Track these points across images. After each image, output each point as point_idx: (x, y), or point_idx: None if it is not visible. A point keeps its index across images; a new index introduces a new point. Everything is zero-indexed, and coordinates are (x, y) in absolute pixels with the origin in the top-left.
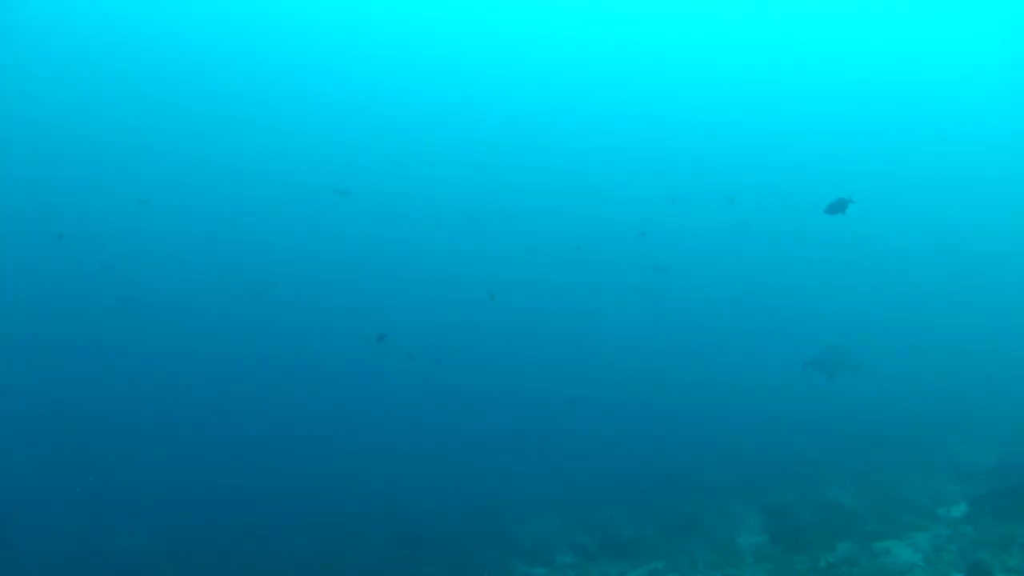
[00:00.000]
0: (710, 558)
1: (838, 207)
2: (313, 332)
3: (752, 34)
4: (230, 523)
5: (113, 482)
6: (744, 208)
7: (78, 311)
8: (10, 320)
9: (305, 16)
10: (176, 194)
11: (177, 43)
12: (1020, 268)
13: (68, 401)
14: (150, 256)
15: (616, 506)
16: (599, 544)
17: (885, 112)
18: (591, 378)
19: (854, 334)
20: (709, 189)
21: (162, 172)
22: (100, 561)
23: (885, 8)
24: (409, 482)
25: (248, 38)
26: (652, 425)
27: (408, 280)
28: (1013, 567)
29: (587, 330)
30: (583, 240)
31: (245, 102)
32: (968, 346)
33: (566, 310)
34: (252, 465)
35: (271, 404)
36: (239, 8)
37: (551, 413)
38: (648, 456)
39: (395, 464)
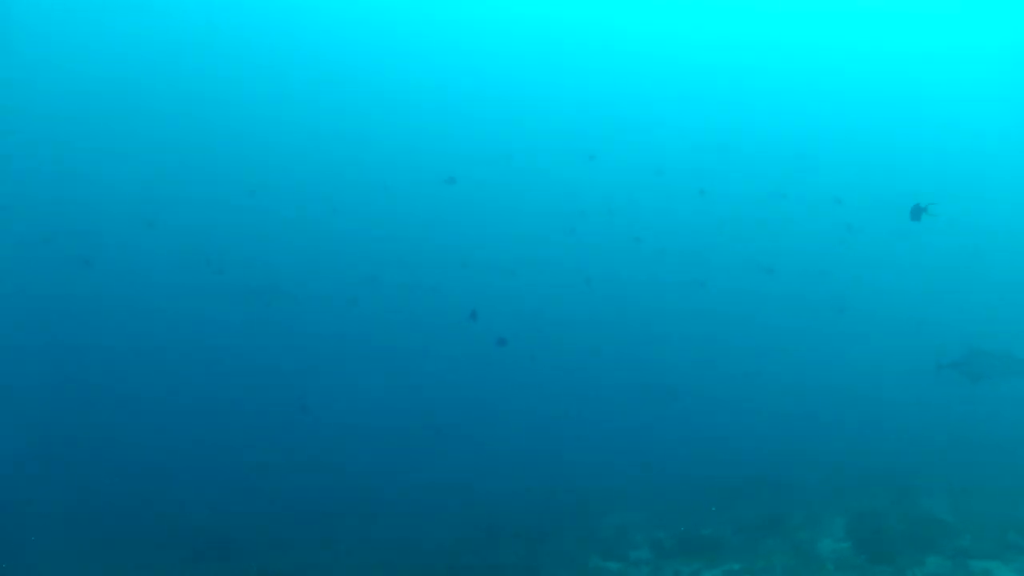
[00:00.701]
0: (788, 562)
1: (916, 214)
2: (404, 320)
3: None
4: (323, 507)
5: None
6: (849, 209)
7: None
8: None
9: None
10: (281, 183)
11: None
12: None
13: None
14: (260, 247)
15: (701, 504)
16: (677, 541)
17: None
18: (687, 374)
19: (963, 340)
20: (815, 188)
21: (269, 160)
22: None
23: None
24: (495, 470)
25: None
26: (745, 425)
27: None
28: None
29: (687, 327)
30: (688, 238)
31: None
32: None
33: (667, 307)
34: (344, 453)
35: (360, 392)
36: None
37: (643, 407)
38: (739, 455)
39: (480, 453)
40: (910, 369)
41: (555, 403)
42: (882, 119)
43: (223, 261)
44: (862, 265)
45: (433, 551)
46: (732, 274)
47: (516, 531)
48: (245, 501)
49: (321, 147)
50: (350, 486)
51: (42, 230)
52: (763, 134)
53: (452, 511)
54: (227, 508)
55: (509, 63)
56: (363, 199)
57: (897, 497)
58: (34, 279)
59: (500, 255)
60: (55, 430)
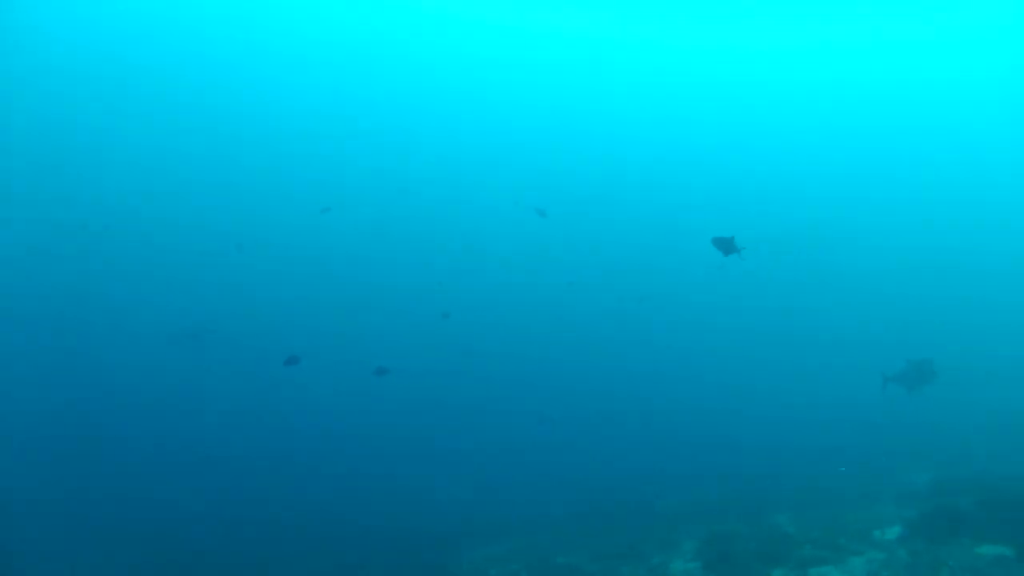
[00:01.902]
0: None
1: (727, 249)
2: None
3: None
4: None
5: None
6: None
7: None
8: None
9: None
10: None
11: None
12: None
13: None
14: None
15: (557, 533)
16: (531, 571)
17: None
18: (546, 405)
19: (800, 360)
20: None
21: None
22: None
23: None
24: (357, 504)
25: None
26: (599, 453)
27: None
28: None
29: (549, 356)
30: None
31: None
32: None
33: (527, 337)
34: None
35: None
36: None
37: (499, 442)
38: (594, 483)
39: (341, 488)
40: (762, 390)
41: (413, 437)
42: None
43: None
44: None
45: None
46: (597, 306)
47: (378, 565)
48: None
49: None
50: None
51: None
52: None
53: (313, 544)
54: None
55: None
56: None
57: (746, 513)
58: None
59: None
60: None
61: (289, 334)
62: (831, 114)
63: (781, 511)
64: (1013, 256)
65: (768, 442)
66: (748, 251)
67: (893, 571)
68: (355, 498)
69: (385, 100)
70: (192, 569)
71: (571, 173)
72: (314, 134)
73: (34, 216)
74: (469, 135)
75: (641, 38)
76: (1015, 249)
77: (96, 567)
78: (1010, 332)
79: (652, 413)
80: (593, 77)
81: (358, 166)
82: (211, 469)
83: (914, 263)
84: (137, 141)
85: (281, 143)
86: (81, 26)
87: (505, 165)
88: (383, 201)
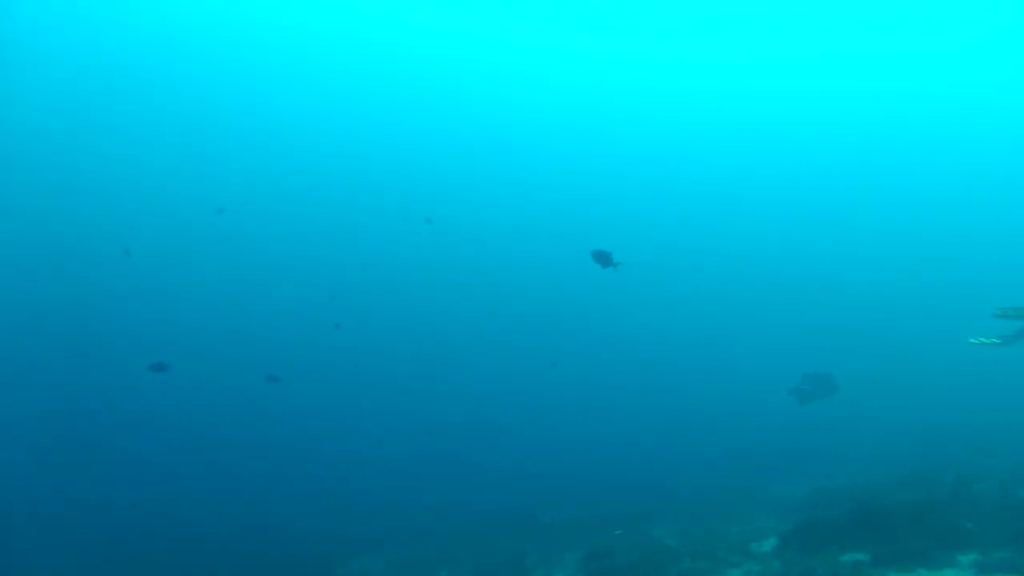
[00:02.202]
0: None
1: (604, 262)
2: None
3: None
4: None
5: None
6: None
7: None
8: None
9: None
10: None
11: None
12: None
13: None
14: None
15: (439, 545)
16: None
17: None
18: (430, 417)
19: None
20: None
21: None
22: None
23: None
24: (244, 512)
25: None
26: (481, 464)
27: None
28: None
29: (431, 368)
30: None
31: None
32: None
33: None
34: None
35: None
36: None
37: (385, 453)
38: (476, 495)
39: (222, 496)
40: (646, 403)
41: (294, 446)
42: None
43: None
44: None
45: None
46: (481, 318)
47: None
48: None
49: None
50: None
51: None
52: None
53: (184, 554)
54: None
55: None
56: None
57: (630, 527)
58: None
59: None
60: None
61: (170, 341)
62: (748, 125)
63: (662, 524)
64: (897, 275)
65: (651, 456)
66: (624, 267)
67: None
68: (231, 507)
69: (273, 101)
70: None
71: (441, 176)
72: (198, 132)
73: None
74: (358, 139)
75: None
76: (897, 270)
77: None
78: (893, 347)
79: (535, 425)
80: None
81: (247, 168)
82: (77, 472)
83: (796, 281)
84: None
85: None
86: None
87: (384, 169)
88: (274, 206)
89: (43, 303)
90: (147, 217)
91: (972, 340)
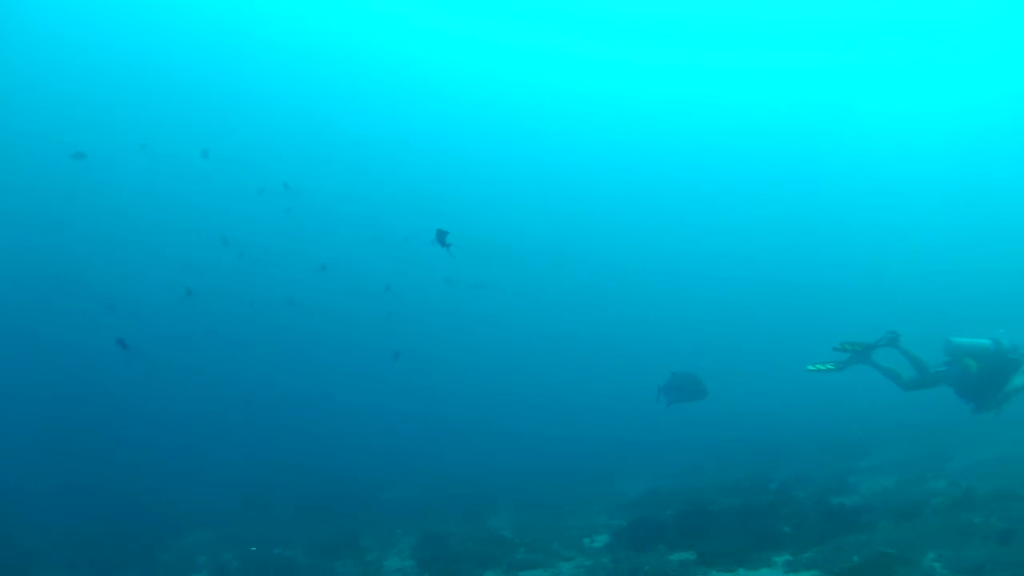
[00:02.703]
0: None
1: (440, 239)
2: None
3: None
4: None
5: None
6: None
7: None
8: None
9: None
10: None
11: None
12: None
13: None
14: None
15: (273, 522)
16: (243, 562)
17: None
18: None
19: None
20: None
21: None
22: None
23: None
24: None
25: None
26: (321, 440)
27: None
28: None
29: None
30: None
31: None
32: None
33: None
34: None
35: None
36: None
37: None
38: (315, 470)
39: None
40: (492, 394)
41: (128, 417)
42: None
43: None
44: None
45: None
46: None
47: (83, 551)
48: None
49: None
50: None
51: None
52: None
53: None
54: None
55: None
56: None
57: (467, 515)
58: None
59: None
60: None
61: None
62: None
63: (500, 514)
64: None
65: (500, 446)
66: (456, 248)
67: None
68: (59, 479)
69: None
70: None
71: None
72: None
73: None
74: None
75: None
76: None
77: None
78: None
79: (378, 403)
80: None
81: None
82: None
83: (672, 280)
84: None
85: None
86: None
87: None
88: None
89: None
90: None
91: (809, 367)
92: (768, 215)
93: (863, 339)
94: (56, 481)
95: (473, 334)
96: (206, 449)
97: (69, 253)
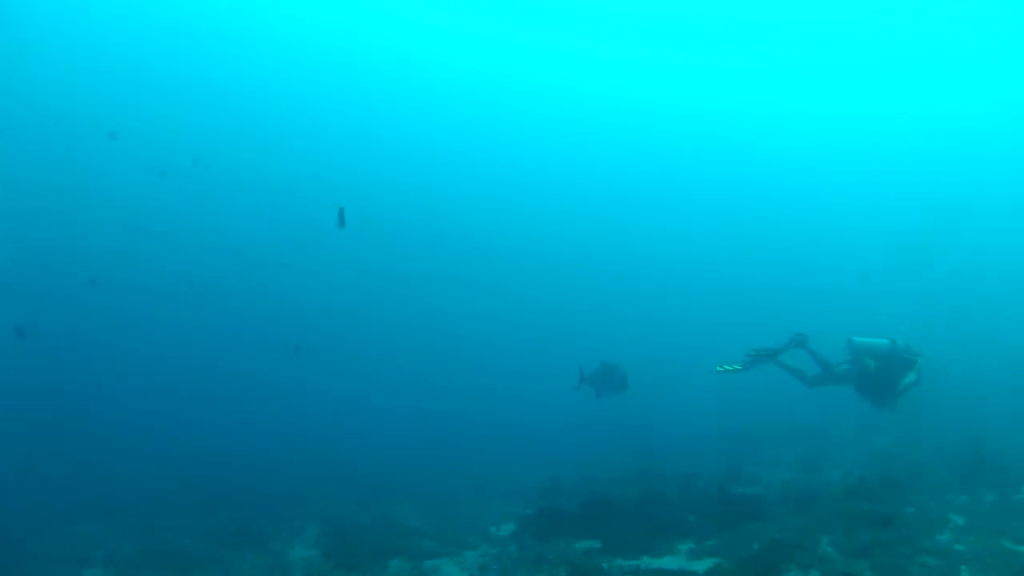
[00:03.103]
0: (259, 572)
1: (341, 219)
2: None
3: None
4: None
5: None
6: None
7: None
8: None
9: None
10: None
11: None
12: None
13: None
14: None
15: (172, 516)
16: (140, 553)
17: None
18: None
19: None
20: None
21: None
22: None
23: None
24: None
25: None
26: (211, 424)
27: None
28: None
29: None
30: None
31: None
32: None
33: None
34: None
35: None
36: None
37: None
38: (214, 467)
39: None
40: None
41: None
42: None
43: None
44: None
45: None
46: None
47: None
48: None
49: None
50: None
51: None
52: None
53: None
54: None
55: None
56: None
57: (370, 503)
58: None
59: None
60: None
61: None
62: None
63: (405, 502)
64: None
65: (408, 434)
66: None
67: (502, 564)
68: None
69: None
70: None
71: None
72: None
73: None
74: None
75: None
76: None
77: None
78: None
79: (277, 390)
80: None
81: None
82: None
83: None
84: None
85: None
86: None
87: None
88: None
89: None
90: None
91: (718, 368)
92: (713, 214)
93: (773, 343)
94: None
95: (386, 320)
96: (96, 439)
97: None
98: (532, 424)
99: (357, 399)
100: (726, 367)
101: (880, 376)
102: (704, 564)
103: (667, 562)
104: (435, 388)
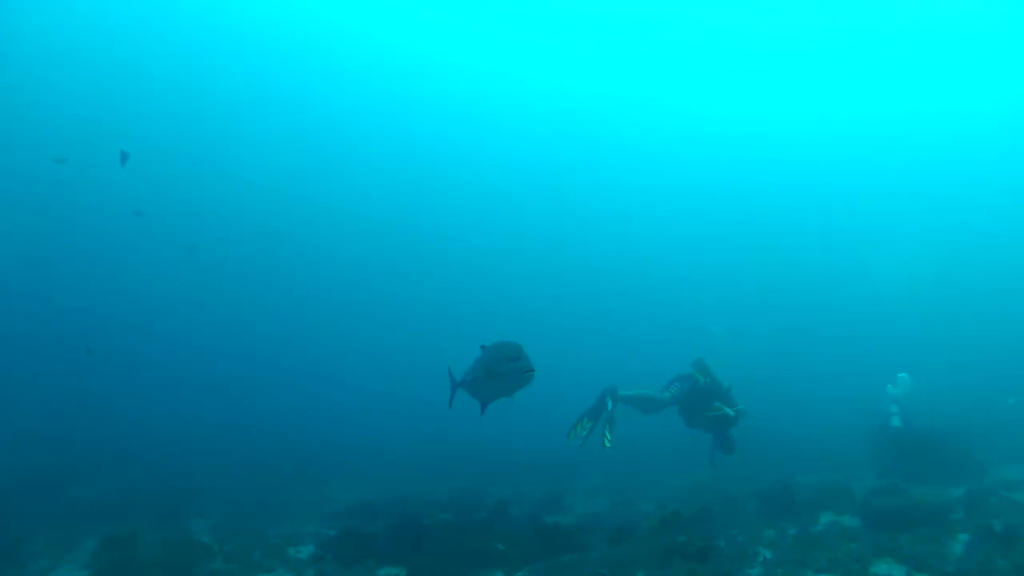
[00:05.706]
0: None
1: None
2: None
3: None
4: None
5: None
6: None
7: None
8: None
9: None
10: None
11: None
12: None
13: None
14: None
15: None
16: None
17: None
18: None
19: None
20: None
21: None
22: None
23: None
24: None
25: None
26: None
27: None
28: None
29: None
30: None
31: None
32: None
33: None
34: None
35: None
36: None
37: None
38: None
39: None
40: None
41: None
42: None
43: None
44: None
45: None
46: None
47: None
48: None
49: None
50: None
51: None
52: None
53: None
54: None
55: None
56: None
57: (163, 518)
58: None
59: None
60: None
61: None
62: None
63: (202, 517)
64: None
65: (210, 445)
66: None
67: None
68: None
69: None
70: None
71: None
72: None
73: None
74: None
75: None
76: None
77: None
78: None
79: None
80: None
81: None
82: None
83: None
84: None
85: None
86: None
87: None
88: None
89: None
90: None
91: (568, 439)
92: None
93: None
94: None
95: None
96: None
97: None
98: (365, 439)
99: (159, 399)
100: (577, 431)
101: (701, 396)
102: None
103: None
104: (249, 395)
